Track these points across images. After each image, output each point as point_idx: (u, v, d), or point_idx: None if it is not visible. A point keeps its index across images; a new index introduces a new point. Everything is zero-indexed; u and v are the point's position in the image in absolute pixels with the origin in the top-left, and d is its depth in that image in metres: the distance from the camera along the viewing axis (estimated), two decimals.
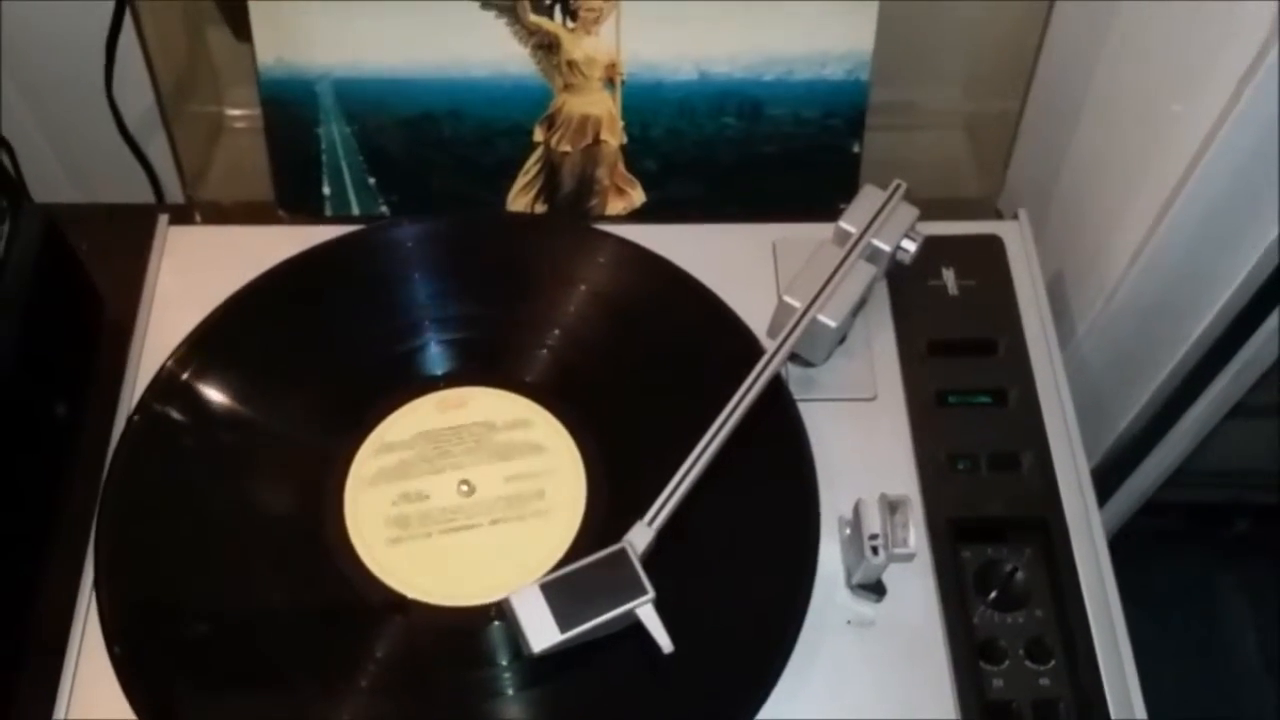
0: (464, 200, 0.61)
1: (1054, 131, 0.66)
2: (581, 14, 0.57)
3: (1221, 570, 0.99)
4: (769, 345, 0.52)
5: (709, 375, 0.52)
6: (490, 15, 0.57)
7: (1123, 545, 0.72)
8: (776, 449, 0.51)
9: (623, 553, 0.45)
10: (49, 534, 0.56)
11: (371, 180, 0.61)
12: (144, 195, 0.75)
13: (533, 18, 0.57)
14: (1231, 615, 0.97)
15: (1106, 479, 0.73)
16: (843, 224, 0.54)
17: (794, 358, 0.53)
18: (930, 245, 0.56)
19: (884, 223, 0.54)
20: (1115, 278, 0.60)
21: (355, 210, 0.61)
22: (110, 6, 0.64)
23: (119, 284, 0.61)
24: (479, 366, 0.54)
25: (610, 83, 0.59)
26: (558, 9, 0.57)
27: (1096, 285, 0.62)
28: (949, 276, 0.58)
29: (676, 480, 0.47)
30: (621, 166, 0.61)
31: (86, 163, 0.77)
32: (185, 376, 0.53)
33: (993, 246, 0.59)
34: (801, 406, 0.53)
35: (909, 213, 0.55)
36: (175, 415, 0.52)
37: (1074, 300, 0.65)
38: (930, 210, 0.57)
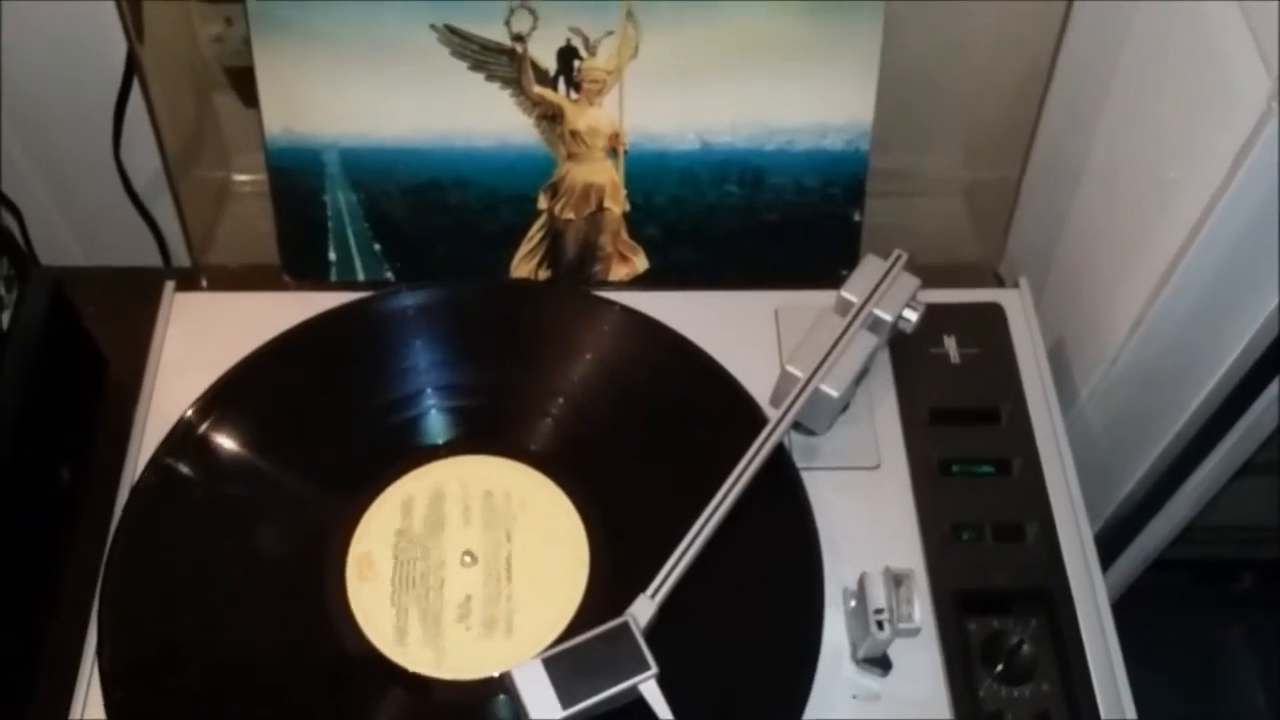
0: (468, 267, 0.62)
1: (1053, 198, 0.66)
2: (585, 86, 0.58)
3: (1228, 627, 0.98)
4: (772, 414, 0.52)
5: (712, 444, 0.52)
6: (495, 87, 0.58)
7: (1127, 602, 0.72)
8: (780, 520, 0.50)
9: (625, 626, 0.45)
10: (51, 596, 0.56)
11: (377, 246, 0.61)
12: (151, 258, 0.76)
13: (537, 89, 0.58)
14: (1239, 672, 0.96)
15: (1110, 543, 0.73)
16: (845, 293, 0.55)
17: (797, 426, 0.54)
18: (932, 313, 0.56)
19: (885, 292, 0.55)
20: (1116, 345, 0.60)
21: (360, 276, 0.62)
22: (119, 70, 0.65)
23: (125, 347, 0.61)
24: (481, 434, 0.54)
25: (613, 152, 0.60)
26: (561, 81, 0.58)
27: (1098, 351, 0.62)
28: (950, 344, 0.58)
29: (679, 552, 0.47)
30: (624, 233, 0.62)
31: (94, 225, 0.77)
32: (192, 443, 0.53)
33: (994, 315, 0.59)
34: (804, 475, 0.53)
35: (910, 282, 0.55)
36: (181, 481, 0.52)
37: (1075, 366, 0.65)
38: (930, 276, 0.57)
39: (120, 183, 0.71)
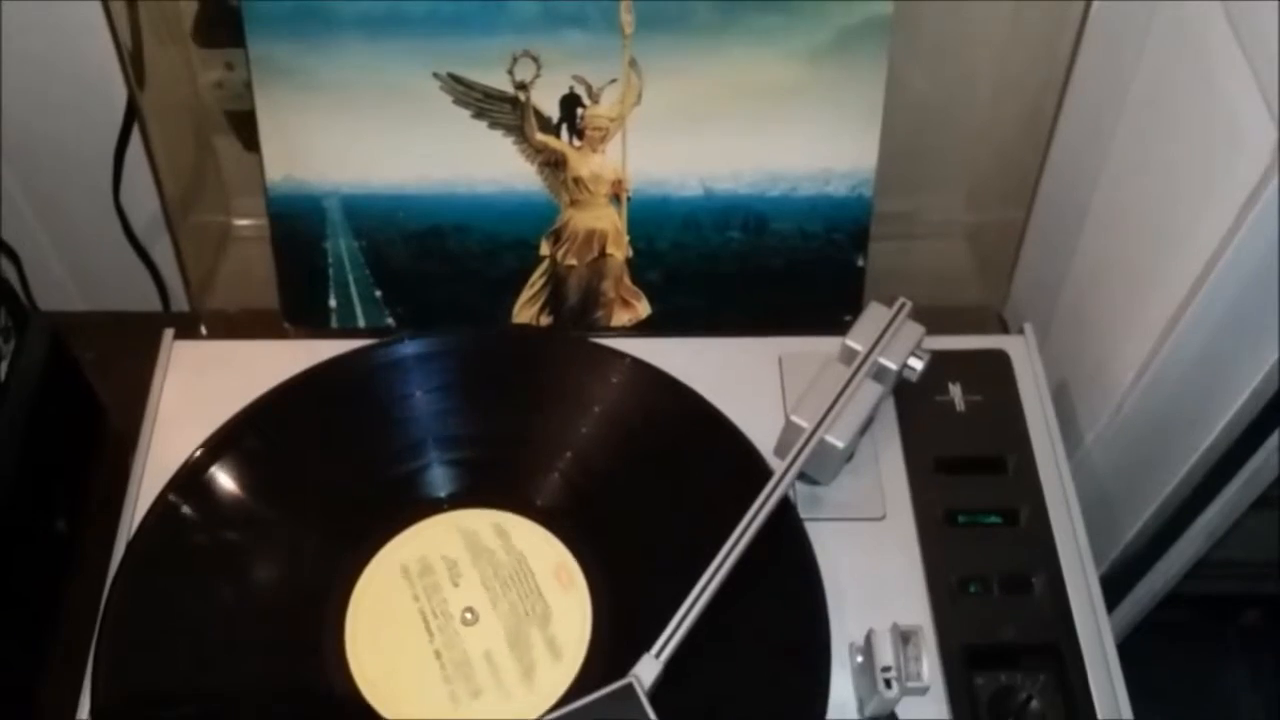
0: (470, 313, 0.61)
1: (1058, 240, 0.66)
2: (588, 133, 0.58)
3: (1232, 662, 0.97)
4: (776, 465, 0.51)
5: (716, 496, 0.51)
6: (498, 134, 0.57)
7: (1131, 639, 0.71)
8: (787, 575, 0.50)
9: (630, 688, 0.44)
10: (46, 648, 0.55)
11: (378, 293, 0.61)
12: (151, 300, 0.76)
13: (539, 136, 0.58)
14: (1243, 709, 0.95)
15: (1116, 585, 0.72)
16: (849, 342, 0.54)
17: (801, 476, 0.53)
18: (936, 361, 0.56)
19: (890, 341, 0.54)
20: (1122, 390, 0.60)
21: (361, 323, 0.61)
22: (119, 114, 0.65)
23: (124, 393, 0.61)
24: (480, 488, 0.53)
25: (616, 198, 0.59)
26: (564, 128, 0.58)
27: (1103, 395, 0.62)
28: (955, 392, 0.58)
29: (684, 610, 0.46)
30: (627, 279, 0.61)
31: (94, 269, 0.77)
32: (189, 497, 0.52)
33: (999, 362, 0.59)
34: (809, 526, 0.52)
35: (915, 331, 0.55)
36: (178, 534, 0.52)
37: (1081, 409, 0.65)
38: (934, 319, 0.57)
39: (120, 226, 0.71)
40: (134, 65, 0.60)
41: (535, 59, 0.55)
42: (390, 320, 0.61)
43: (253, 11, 0.54)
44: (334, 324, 0.61)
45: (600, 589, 0.50)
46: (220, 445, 0.53)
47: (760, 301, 0.62)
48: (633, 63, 0.56)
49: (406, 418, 0.55)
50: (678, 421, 0.55)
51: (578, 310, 0.62)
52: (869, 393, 0.53)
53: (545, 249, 0.60)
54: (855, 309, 0.62)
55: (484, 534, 0.52)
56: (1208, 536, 0.68)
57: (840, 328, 0.56)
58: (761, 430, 0.54)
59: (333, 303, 0.61)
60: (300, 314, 0.61)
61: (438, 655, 0.49)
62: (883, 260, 0.62)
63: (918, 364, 0.54)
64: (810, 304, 0.62)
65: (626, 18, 0.54)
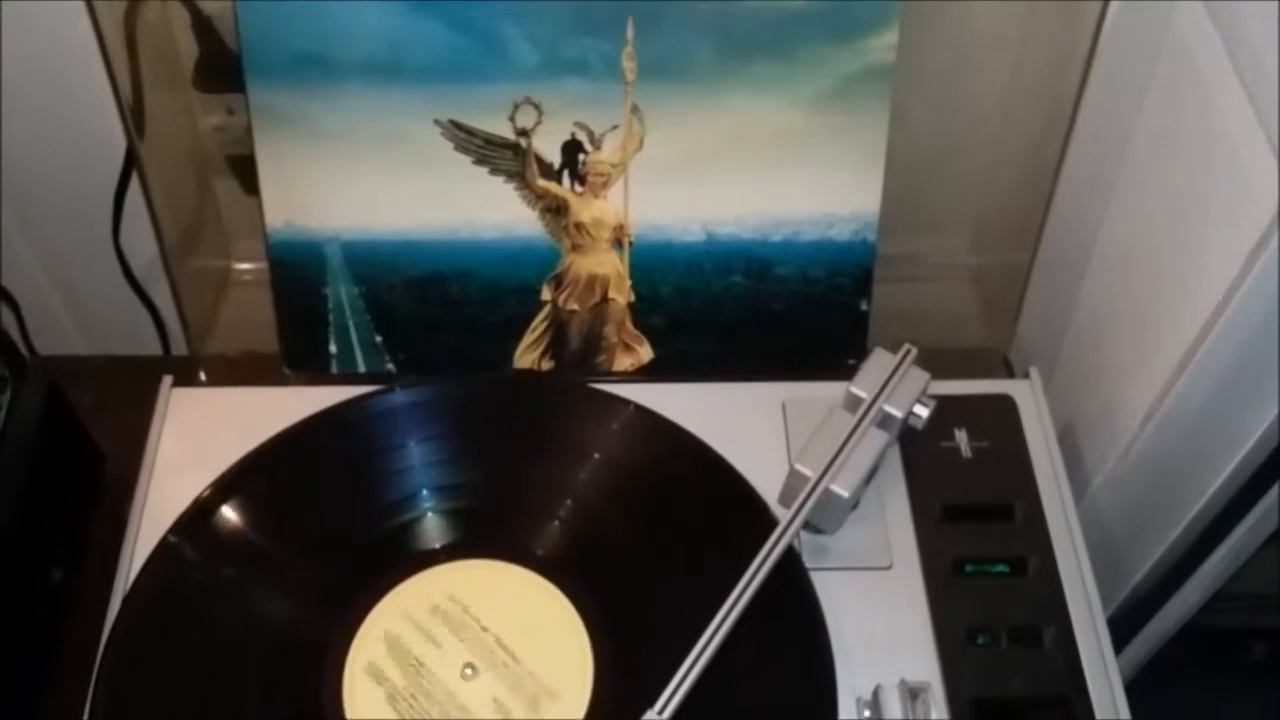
0: (471, 358, 0.61)
1: (1063, 282, 0.66)
2: (590, 179, 0.57)
3: (1238, 698, 0.96)
4: (780, 513, 0.51)
5: (720, 546, 0.51)
6: (499, 180, 0.57)
7: (1137, 675, 0.70)
8: (792, 628, 0.49)
9: None
10: (43, 700, 0.55)
11: (378, 338, 0.60)
12: (152, 341, 0.75)
13: (541, 182, 0.57)
14: None
15: (1123, 626, 0.72)
16: (854, 389, 0.54)
17: (806, 524, 0.52)
18: (942, 406, 0.55)
19: (895, 388, 0.54)
20: (1130, 433, 0.59)
21: (361, 368, 0.61)
22: (119, 157, 0.65)
23: (122, 438, 0.60)
24: (480, 537, 0.52)
25: (618, 243, 0.59)
26: (566, 174, 0.57)
27: (1110, 438, 0.62)
28: (961, 438, 0.57)
29: (688, 665, 0.46)
30: (629, 323, 0.61)
31: (95, 311, 0.77)
32: (184, 550, 0.51)
33: (1005, 407, 0.58)
34: (815, 576, 0.51)
35: (920, 378, 0.54)
36: (173, 588, 0.51)
37: (1087, 451, 0.64)
38: (937, 361, 0.56)
39: (120, 269, 0.71)
40: (134, 112, 0.59)
41: (537, 106, 0.55)
42: (391, 366, 0.61)
43: (253, 59, 0.54)
44: (334, 369, 0.61)
45: (602, 641, 0.50)
46: (216, 498, 0.53)
47: (763, 346, 0.61)
48: (635, 109, 0.56)
49: (405, 467, 0.54)
50: (681, 469, 0.54)
51: (579, 355, 0.61)
52: (874, 441, 0.52)
53: (547, 294, 0.60)
54: (859, 353, 0.62)
55: (484, 585, 0.51)
56: (1216, 578, 0.67)
57: (844, 372, 0.55)
58: (765, 477, 0.54)
59: (333, 349, 0.60)
60: (300, 360, 0.61)
61: (435, 708, 0.48)
62: (886, 302, 0.62)
63: (923, 411, 0.54)
64: (814, 348, 0.61)
65: (629, 65, 0.54)
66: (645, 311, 0.61)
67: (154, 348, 0.76)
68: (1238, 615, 0.89)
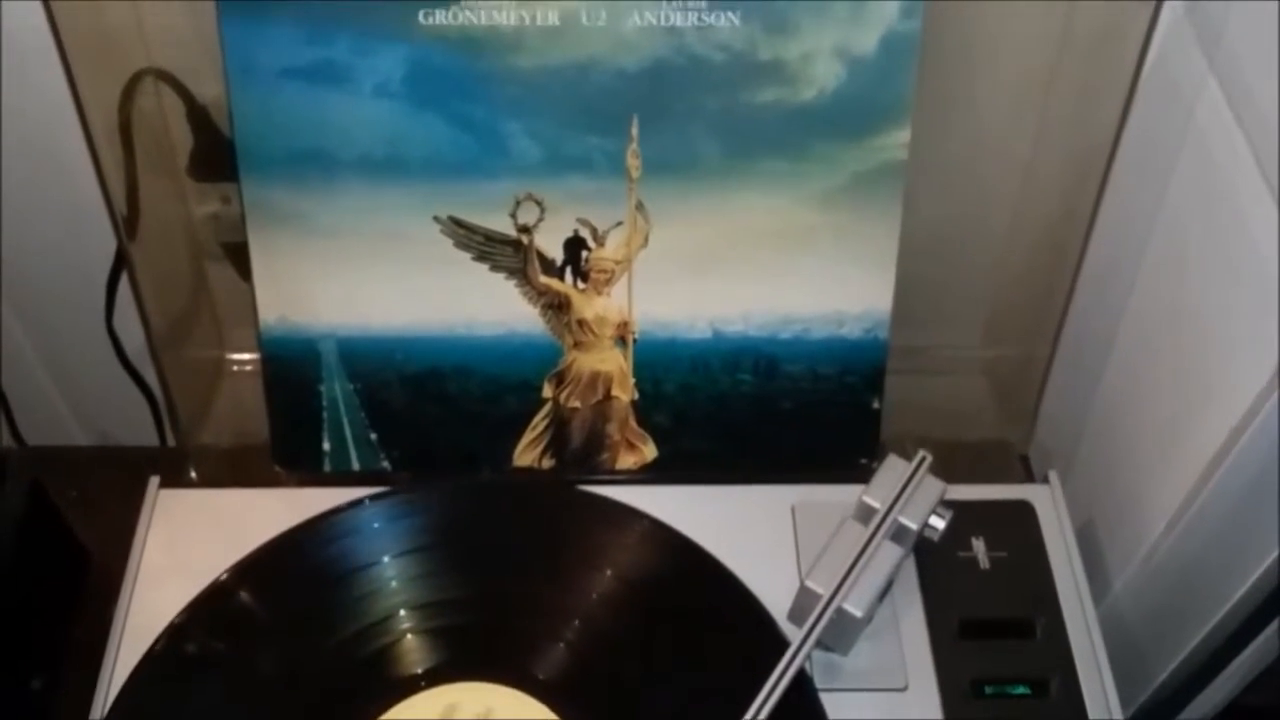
0: (469, 456, 0.59)
1: (1080, 377, 0.64)
2: (593, 276, 0.56)
3: None
4: (790, 631, 0.49)
5: (727, 667, 0.48)
6: (500, 277, 0.55)
7: None
8: None
9: None
10: None
11: (373, 435, 0.59)
12: (147, 424, 0.73)
13: (543, 279, 0.56)
14: None
15: None
16: (866, 499, 0.52)
17: (817, 643, 0.50)
18: (958, 513, 0.53)
19: (910, 498, 0.51)
20: (1154, 538, 0.57)
21: (355, 466, 0.59)
22: (113, 241, 0.63)
23: (109, 532, 0.58)
24: (470, 658, 0.50)
25: (622, 340, 0.57)
26: (568, 270, 0.56)
27: (1133, 540, 0.59)
28: (979, 547, 0.55)
29: None
30: (633, 421, 0.59)
31: (89, 395, 0.75)
32: (165, 669, 0.49)
33: (1024, 514, 0.56)
34: (826, 697, 0.49)
35: (935, 487, 0.52)
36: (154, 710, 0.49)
37: (1108, 554, 0.62)
38: (951, 457, 0.54)
39: (114, 353, 0.69)
40: (128, 200, 0.58)
41: (539, 202, 0.54)
42: (386, 464, 0.59)
43: (247, 154, 0.53)
44: (327, 467, 0.59)
45: None
46: (188, 621, 0.51)
47: (772, 445, 0.59)
48: (640, 206, 0.54)
49: (389, 580, 0.52)
50: (688, 584, 0.52)
51: (581, 453, 0.59)
52: (888, 556, 0.50)
53: (548, 391, 0.58)
54: (871, 453, 0.59)
55: (476, 708, 0.49)
56: (1239, 680, 0.64)
57: (856, 473, 0.53)
58: (774, 586, 0.52)
59: (326, 446, 0.58)
60: (292, 458, 0.59)
61: None
62: (895, 394, 0.60)
63: (939, 523, 0.52)
64: (824, 448, 0.59)
65: (634, 162, 0.53)
66: (649, 409, 0.59)
67: (149, 430, 0.74)
68: (1254, 694, 0.86)
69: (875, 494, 0.52)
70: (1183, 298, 0.55)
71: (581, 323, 0.57)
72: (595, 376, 0.58)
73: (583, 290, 0.56)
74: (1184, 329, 0.55)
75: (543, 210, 0.54)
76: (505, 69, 0.51)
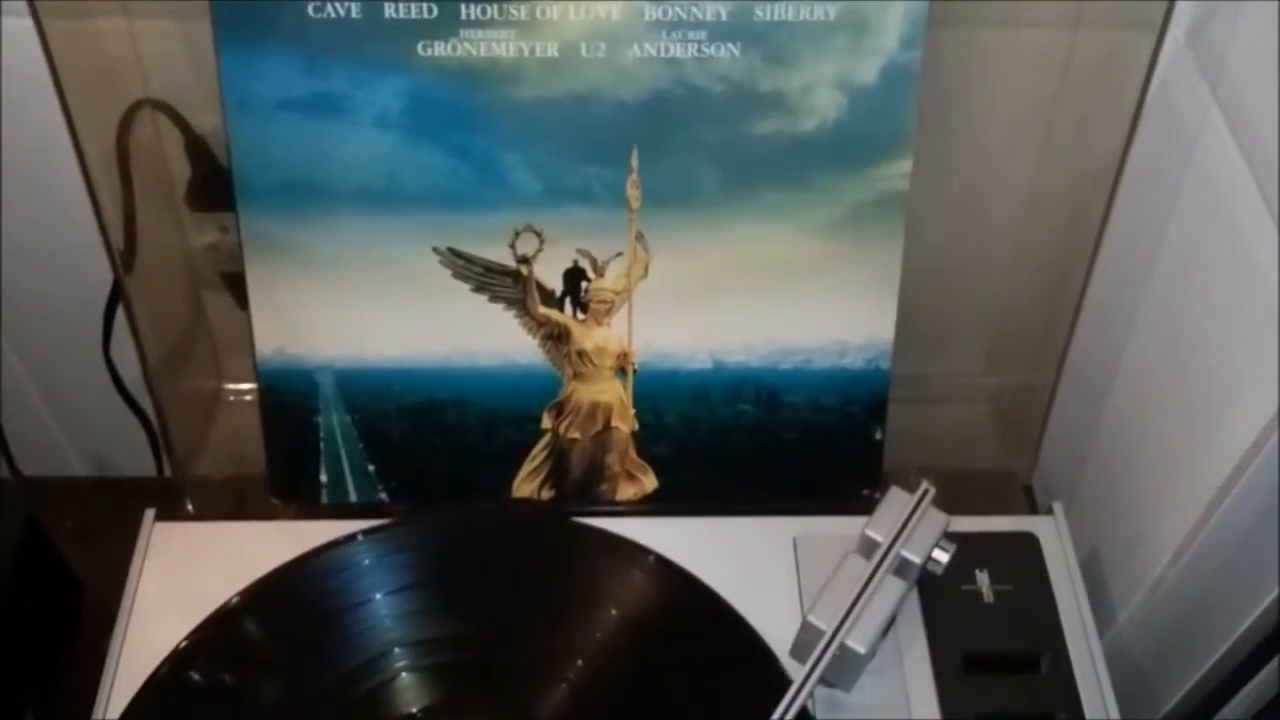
0: (467, 487, 0.58)
1: (1083, 406, 0.63)
2: (592, 306, 0.55)
3: None
4: (792, 667, 0.48)
5: (728, 705, 0.48)
6: (499, 307, 0.55)
7: None
8: None
9: None
10: None
11: (371, 467, 0.58)
12: (145, 453, 0.73)
13: (542, 310, 0.55)
14: None
15: None
16: (869, 532, 0.51)
17: (820, 680, 0.49)
18: (962, 545, 0.52)
19: (913, 531, 0.51)
20: (1159, 569, 0.57)
21: (353, 498, 0.58)
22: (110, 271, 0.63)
23: (105, 564, 0.58)
24: (467, 696, 0.50)
25: (622, 371, 0.57)
26: (568, 301, 0.55)
27: (1139, 572, 0.59)
28: (983, 580, 0.54)
29: None
30: (633, 452, 0.58)
31: (86, 424, 0.74)
32: (160, 706, 0.49)
33: (1028, 545, 0.56)
34: None
35: (938, 520, 0.52)
36: None
37: (1113, 585, 0.61)
38: (954, 486, 0.54)
39: (111, 383, 0.69)
40: (126, 233, 0.58)
41: (538, 234, 0.53)
42: (384, 495, 0.59)
43: (245, 184, 0.52)
44: (324, 499, 0.58)
45: None
46: (181, 659, 0.50)
47: (773, 475, 0.59)
48: (640, 236, 0.54)
49: (384, 617, 0.51)
50: (689, 621, 0.51)
51: (581, 485, 0.59)
52: (891, 590, 0.49)
53: (547, 422, 0.58)
54: (873, 483, 0.59)
55: None
56: (1243, 714, 0.64)
57: (858, 504, 0.53)
58: (776, 619, 0.51)
59: (324, 477, 0.58)
60: (289, 490, 0.58)
61: None
62: (896, 423, 0.59)
63: (943, 556, 0.51)
64: (826, 478, 0.59)
65: (633, 193, 0.52)
66: (649, 440, 0.58)
67: (147, 459, 0.73)
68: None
69: (878, 527, 0.51)
70: (1186, 328, 0.54)
71: (581, 353, 0.56)
72: (595, 407, 0.58)
73: (582, 321, 0.56)
74: (1188, 358, 0.54)
75: (542, 241, 0.54)
76: (504, 100, 0.51)
